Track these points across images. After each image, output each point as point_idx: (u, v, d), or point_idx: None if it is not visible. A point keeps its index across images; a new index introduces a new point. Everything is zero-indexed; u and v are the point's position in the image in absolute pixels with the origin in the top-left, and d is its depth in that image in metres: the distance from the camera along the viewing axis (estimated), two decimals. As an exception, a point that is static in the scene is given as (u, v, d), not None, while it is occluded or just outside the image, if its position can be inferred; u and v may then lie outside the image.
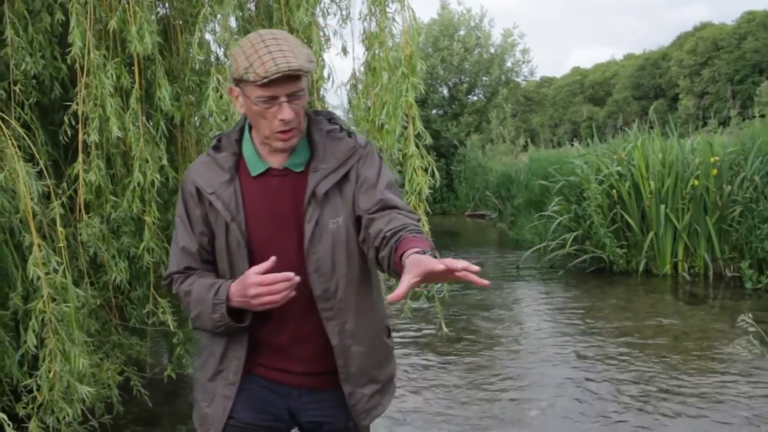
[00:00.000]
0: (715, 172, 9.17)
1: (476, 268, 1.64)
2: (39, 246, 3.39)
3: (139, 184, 3.76)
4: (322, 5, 4.35)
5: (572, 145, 14.31)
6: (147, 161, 3.75)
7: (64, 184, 3.83)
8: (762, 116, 11.78)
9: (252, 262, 2.04)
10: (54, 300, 3.38)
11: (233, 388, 2.14)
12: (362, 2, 4.23)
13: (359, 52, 4.82)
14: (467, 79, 26.49)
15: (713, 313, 7.53)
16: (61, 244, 3.55)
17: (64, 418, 3.41)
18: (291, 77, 1.92)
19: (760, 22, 49.54)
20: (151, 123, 3.96)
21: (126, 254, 4.05)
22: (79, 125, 3.70)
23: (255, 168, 2.09)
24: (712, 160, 9.22)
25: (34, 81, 3.79)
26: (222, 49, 4.24)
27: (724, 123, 13.10)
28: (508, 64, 27.05)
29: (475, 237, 17.19)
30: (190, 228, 2.13)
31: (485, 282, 1.64)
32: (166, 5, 4.39)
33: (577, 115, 57.58)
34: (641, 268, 9.72)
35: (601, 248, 10.01)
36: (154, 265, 3.99)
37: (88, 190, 3.79)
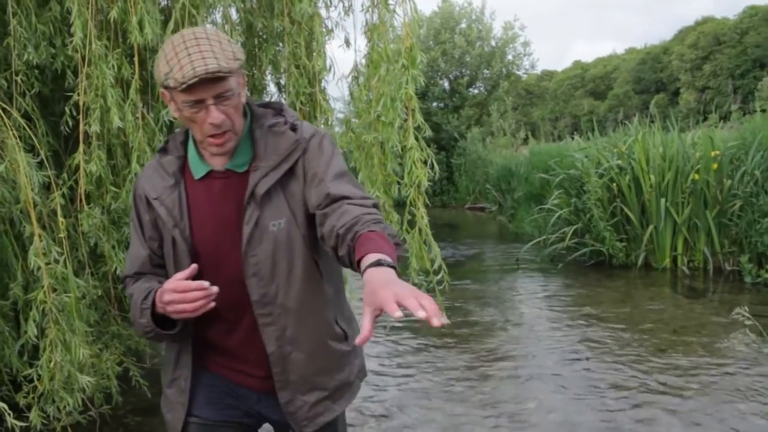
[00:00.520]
0: (715, 166, 9.18)
1: (432, 310, 1.41)
2: (39, 236, 3.40)
3: (137, 174, 3.76)
4: (324, -4, 4.35)
5: (573, 138, 14.30)
6: (146, 152, 3.75)
7: (65, 175, 3.83)
8: (763, 111, 11.79)
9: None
10: (54, 290, 3.38)
11: (185, 395, 2.11)
12: (365, -7, 4.23)
13: (361, 44, 4.83)
14: (468, 71, 26.49)
15: (712, 306, 7.54)
16: (61, 235, 3.55)
17: (65, 407, 3.43)
18: (213, 79, 1.81)
19: (762, 16, 49.48)
20: (151, 114, 3.96)
21: (126, 245, 4.05)
22: (80, 116, 3.70)
23: (197, 171, 2.03)
24: (712, 154, 9.22)
25: (36, 71, 3.79)
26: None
27: (725, 117, 13.11)
28: (509, 57, 27.07)
29: (475, 230, 17.20)
30: (140, 233, 2.09)
31: (441, 323, 1.41)
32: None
33: (577, 109, 57.59)
34: (640, 261, 9.73)
35: (600, 241, 10.02)
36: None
37: (89, 181, 3.79)
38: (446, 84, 26.66)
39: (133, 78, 3.74)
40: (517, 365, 5.72)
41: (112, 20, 3.62)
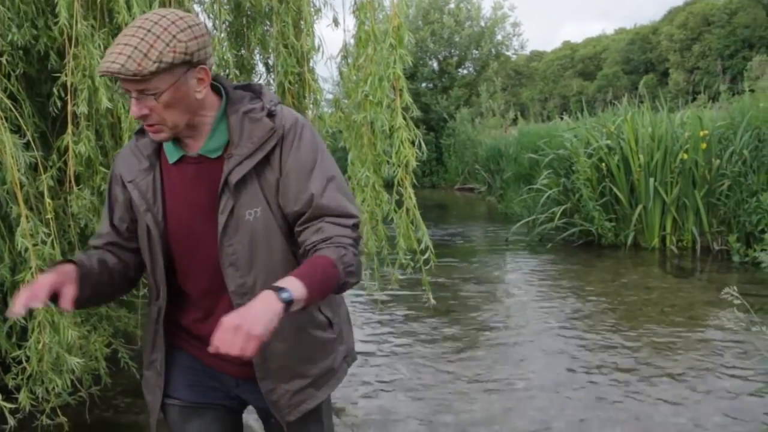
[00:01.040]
0: (704, 146, 9.20)
1: (225, 345, 1.58)
2: (27, 217, 3.38)
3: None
4: (312, -26, 4.33)
5: (562, 119, 14.30)
6: (136, 132, 3.72)
7: (54, 156, 3.81)
8: (752, 91, 11.81)
9: (170, 252, 2.00)
10: (42, 271, 3.36)
11: (161, 378, 2.11)
12: (353, -28, 4.20)
13: (350, 23, 4.81)
14: (457, 52, 26.44)
15: (700, 286, 7.59)
16: (48, 216, 3.54)
17: (54, 388, 3.43)
18: (128, 76, 1.75)
19: (752, -4, 49.43)
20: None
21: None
22: (68, 97, 3.68)
23: (171, 155, 1.97)
24: (701, 134, 9.25)
25: (21, 52, 3.75)
26: (211, 20, 4.22)
27: (714, 98, 13.13)
28: (499, 37, 27.02)
29: (465, 210, 17.23)
30: (108, 210, 2.08)
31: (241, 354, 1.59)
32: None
33: (567, 90, 57.53)
34: (629, 241, 9.76)
35: (589, 221, 10.05)
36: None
37: (78, 162, 3.77)
38: (435, 64, 26.60)
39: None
40: (506, 344, 5.75)
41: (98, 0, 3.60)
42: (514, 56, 31.00)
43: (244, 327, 1.59)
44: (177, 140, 1.96)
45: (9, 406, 3.35)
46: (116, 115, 3.80)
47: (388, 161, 4.41)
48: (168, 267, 2.02)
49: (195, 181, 1.95)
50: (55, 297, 1.80)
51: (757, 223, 8.48)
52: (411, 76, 22.76)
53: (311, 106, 4.58)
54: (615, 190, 9.88)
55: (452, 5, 26.26)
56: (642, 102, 10.86)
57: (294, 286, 1.70)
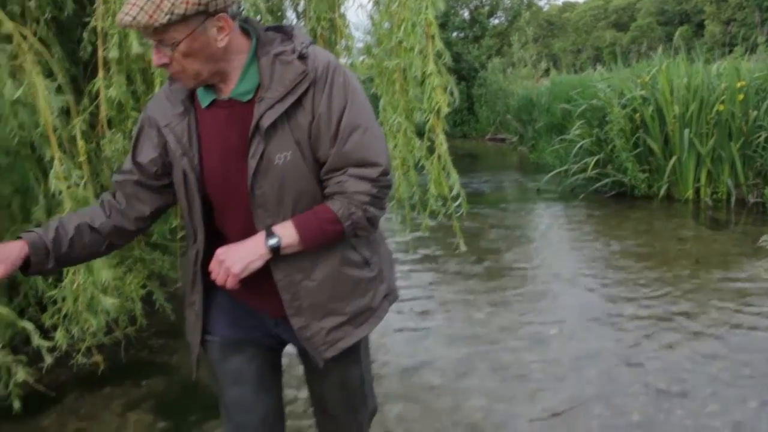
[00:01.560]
0: (741, 97, 9.02)
1: (222, 276, 1.90)
2: (60, 160, 3.40)
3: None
4: None
5: (594, 69, 14.09)
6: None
7: (85, 101, 3.82)
8: (791, 41, 11.55)
9: (206, 196, 2.02)
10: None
11: (200, 319, 2.16)
12: None
13: (381, -32, 4.74)
14: (488, 1, 26.07)
15: (735, 237, 7.49)
16: (81, 159, 3.56)
17: (89, 328, 3.48)
18: (144, 28, 1.77)
19: (793, -56, 48.16)
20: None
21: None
22: (98, 41, 3.67)
23: (203, 99, 1.99)
24: (738, 85, 9.05)
25: (51, -4, 3.75)
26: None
27: (751, 49, 12.84)
28: (531, -14, 26.60)
29: (496, 160, 17.12)
30: (133, 148, 2.10)
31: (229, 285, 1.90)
32: None
33: (599, 41, 56.66)
34: (663, 192, 9.63)
35: (622, 172, 9.94)
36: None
37: (110, 106, 3.78)
38: (466, 14, 26.25)
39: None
40: (537, 293, 5.73)
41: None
42: (546, 6, 30.67)
43: (226, 262, 1.87)
44: (209, 84, 1.95)
45: (47, 344, 3.41)
46: (147, 59, 3.78)
47: (420, 108, 4.38)
48: (205, 210, 2.04)
49: (227, 124, 1.95)
50: None
51: (794, 175, 8.35)
52: (442, 25, 22.49)
53: (344, 52, 4.55)
54: (649, 141, 9.75)
55: (484, -47, 25.87)
56: (677, 53, 10.65)
57: (286, 233, 1.91)
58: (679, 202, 9.46)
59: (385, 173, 1.94)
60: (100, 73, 3.70)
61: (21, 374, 3.46)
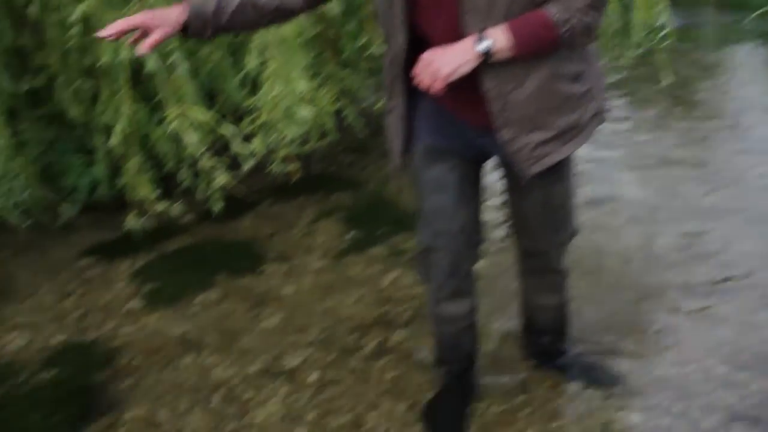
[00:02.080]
0: None
1: (427, 79, 1.78)
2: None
3: None
4: None
5: None
6: None
7: None
8: None
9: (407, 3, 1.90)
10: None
11: (403, 122, 2.12)
12: None
13: None
14: None
15: None
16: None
17: (284, 138, 3.58)
18: None
19: None
20: None
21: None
22: None
23: None
24: None
25: None
26: None
27: None
28: None
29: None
30: None
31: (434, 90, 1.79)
32: None
33: None
34: None
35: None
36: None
37: None
38: None
39: None
40: (737, 135, 5.34)
41: None
42: None
43: (434, 65, 1.76)
44: None
45: (245, 151, 3.55)
46: None
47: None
48: (406, 13, 1.93)
49: None
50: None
51: None
52: None
53: None
54: None
55: None
56: None
57: (498, 37, 1.77)
58: None
59: None
60: None
61: (222, 178, 3.64)
